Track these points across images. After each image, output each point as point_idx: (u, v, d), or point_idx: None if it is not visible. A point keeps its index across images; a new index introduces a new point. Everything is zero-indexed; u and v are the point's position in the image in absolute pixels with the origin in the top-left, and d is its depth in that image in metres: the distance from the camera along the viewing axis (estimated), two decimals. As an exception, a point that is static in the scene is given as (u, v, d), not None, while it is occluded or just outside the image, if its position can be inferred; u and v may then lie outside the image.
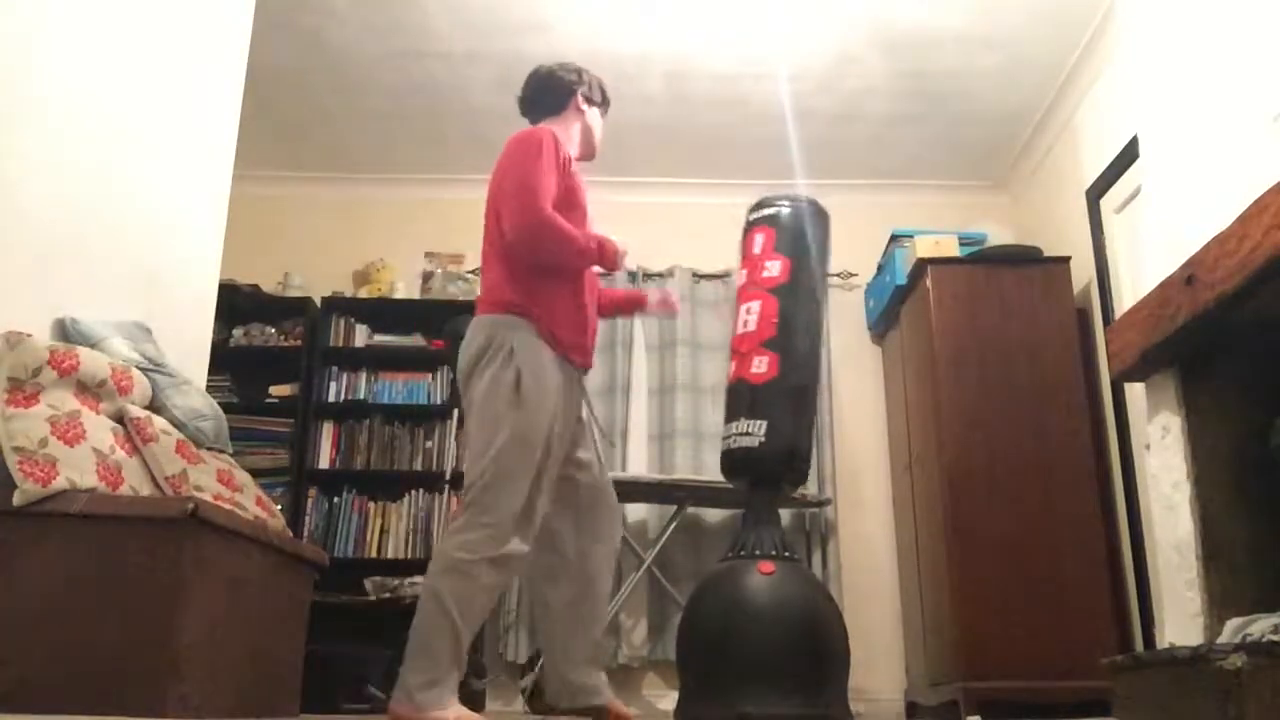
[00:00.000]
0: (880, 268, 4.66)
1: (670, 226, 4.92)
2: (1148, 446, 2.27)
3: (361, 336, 4.60)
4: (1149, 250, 2.37)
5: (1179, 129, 2.25)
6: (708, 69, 4.14)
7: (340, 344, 4.56)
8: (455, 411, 4.05)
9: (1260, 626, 1.76)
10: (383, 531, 4.34)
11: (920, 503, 4.12)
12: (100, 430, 2.20)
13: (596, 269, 2.55)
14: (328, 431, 4.46)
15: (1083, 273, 4.05)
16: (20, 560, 2.00)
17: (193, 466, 2.37)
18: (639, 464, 4.57)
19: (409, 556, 4.28)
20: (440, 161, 4.88)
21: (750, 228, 2.96)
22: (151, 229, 2.82)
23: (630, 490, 4.14)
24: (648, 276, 4.82)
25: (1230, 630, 1.85)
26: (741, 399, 2.75)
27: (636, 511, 4.44)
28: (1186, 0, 2.22)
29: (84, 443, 2.12)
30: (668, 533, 4.13)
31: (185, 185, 3.01)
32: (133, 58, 2.73)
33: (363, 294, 4.73)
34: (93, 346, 2.36)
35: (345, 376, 4.55)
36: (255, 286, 4.61)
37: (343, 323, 4.59)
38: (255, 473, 3.00)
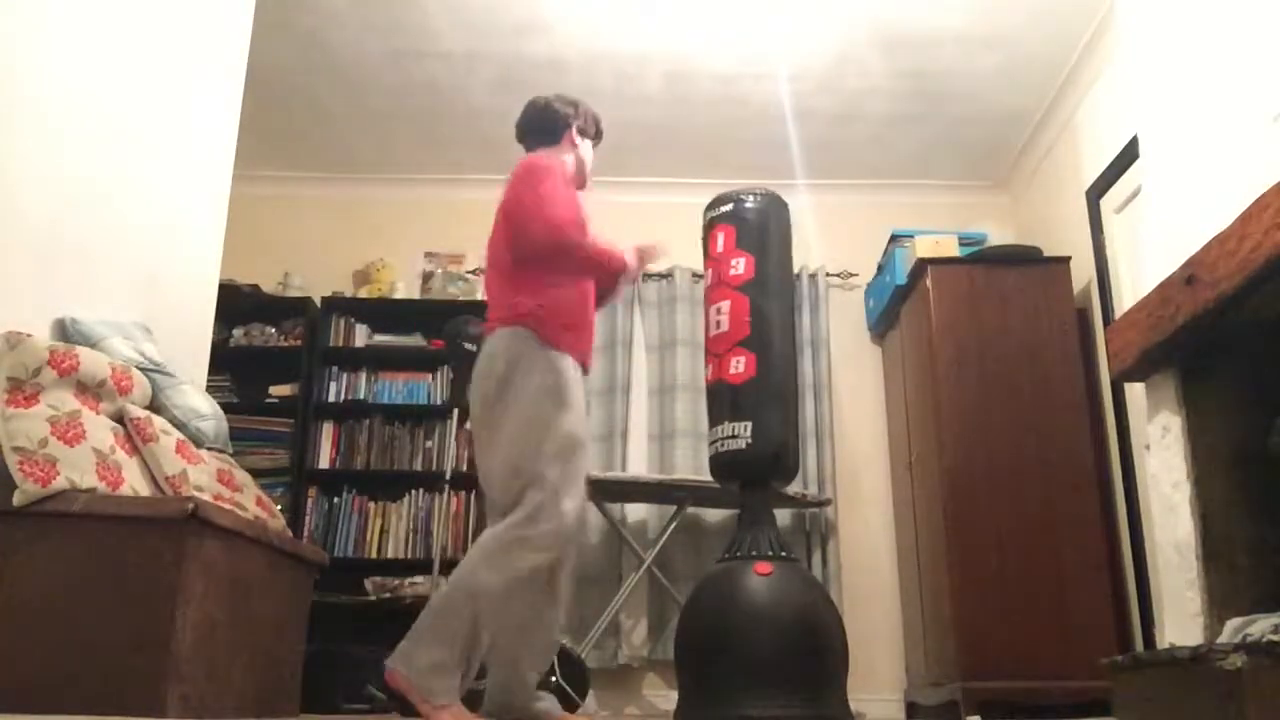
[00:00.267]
0: (880, 268, 4.66)
1: (670, 226, 4.91)
2: (1148, 446, 2.27)
3: (361, 336, 4.60)
4: (1149, 250, 2.37)
5: (1179, 129, 2.25)
6: (708, 69, 4.14)
7: (340, 344, 4.56)
8: (455, 411, 4.05)
9: (1260, 626, 1.76)
10: (383, 531, 4.34)
11: (920, 503, 4.12)
12: (100, 430, 2.20)
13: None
14: (328, 431, 4.47)
15: (1083, 273, 4.05)
16: (20, 560, 2.00)
17: (193, 466, 2.37)
18: (639, 464, 4.57)
19: (409, 556, 4.28)
20: (440, 161, 4.88)
21: (711, 226, 2.93)
22: (151, 229, 2.82)
23: (630, 490, 4.14)
24: (647, 276, 4.83)
25: (1230, 630, 1.85)
26: (723, 401, 2.74)
27: (636, 511, 4.44)
28: (1186, 0, 2.22)
29: (84, 443, 2.13)
30: (668, 533, 4.13)
31: (185, 185, 3.01)
32: (132, 58, 2.73)
33: (363, 294, 4.73)
34: (93, 346, 2.36)
35: (345, 376, 4.55)
36: (255, 286, 4.61)
37: (343, 323, 4.59)
38: (255, 473, 3.00)
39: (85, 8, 2.53)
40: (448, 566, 3.89)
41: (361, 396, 4.51)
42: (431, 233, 4.92)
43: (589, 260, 2.47)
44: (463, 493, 4.32)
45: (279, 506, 3.22)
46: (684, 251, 4.82)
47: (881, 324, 4.71)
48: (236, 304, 4.43)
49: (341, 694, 3.75)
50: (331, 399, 4.50)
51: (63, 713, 1.88)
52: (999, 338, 3.90)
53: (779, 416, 2.71)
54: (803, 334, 4.70)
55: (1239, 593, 2.00)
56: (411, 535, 4.33)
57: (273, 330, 4.57)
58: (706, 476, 4.24)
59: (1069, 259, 4.02)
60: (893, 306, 4.48)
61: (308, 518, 4.31)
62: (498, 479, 2.36)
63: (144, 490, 2.23)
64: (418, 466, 4.43)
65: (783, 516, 4.33)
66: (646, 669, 4.37)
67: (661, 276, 4.85)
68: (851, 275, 4.91)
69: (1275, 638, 1.63)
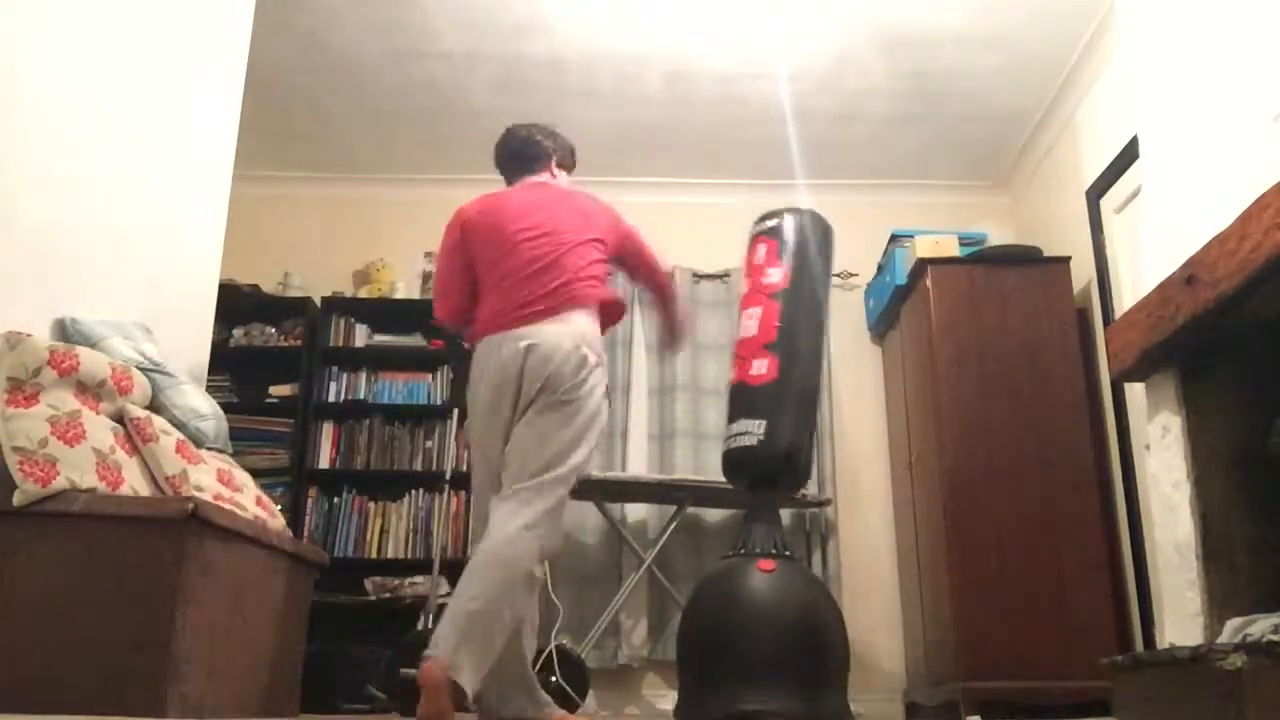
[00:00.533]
0: (880, 268, 4.66)
1: (670, 226, 4.91)
2: (1148, 446, 2.27)
3: (361, 336, 4.60)
4: (1149, 250, 2.37)
5: (1179, 129, 2.25)
6: (708, 69, 4.14)
7: (340, 344, 4.56)
8: (455, 411, 4.05)
9: (1260, 626, 1.76)
10: (383, 531, 4.34)
11: (920, 503, 4.12)
12: (100, 430, 2.20)
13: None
14: (328, 431, 4.46)
15: (1083, 273, 4.05)
16: (20, 560, 2.00)
17: (193, 466, 2.37)
18: (639, 464, 4.57)
19: (409, 556, 4.28)
20: (440, 161, 4.88)
21: (753, 240, 3.06)
22: (151, 229, 2.82)
23: (630, 490, 4.14)
24: (648, 276, 4.82)
25: (1230, 630, 1.85)
26: (741, 399, 2.79)
27: (636, 511, 4.44)
28: (1186, 0, 2.22)
29: (84, 443, 2.12)
30: (668, 533, 4.13)
31: (185, 185, 3.01)
32: (132, 58, 2.73)
33: (363, 294, 4.73)
34: (93, 346, 2.36)
35: (345, 376, 4.55)
36: (255, 286, 4.61)
37: (343, 323, 4.59)
38: (255, 473, 3.00)
39: (85, 8, 2.52)
40: (447, 566, 3.90)
41: (361, 396, 4.51)
42: (431, 233, 4.85)
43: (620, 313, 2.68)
44: (463, 493, 4.31)
45: (279, 506, 3.21)
46: (684, 252, 4.83)
47: (881, 324, 4.71)
48: (236, 304, 4.43)
49: (341, 694, 3.75)
50: (331, 399, 4.50)
51: (63, 713, 1.88)
52: (999, 338, 3.90)
53: (794, 419, 2.75)
54: (803, 334, 4.70)
55: (1239, 593, 2.00)
56: (411, 535, 4.33)
57: (273, 330, 4.57)
58: (706, 476, 4.28)
59: (1069, 259, 4.02)
60: (893, 306, 4.48)
61: (308, 518, 4.31)
62: (532, 460, 2.35)
63: (144, 490, 2.23)
64: (418, 466, 4.43)
65: (783, 516, 4.31)
66: (646, 669, 4.37)
67: (661, 276, 4.84)
68: (851, 275, 4.91)
69: (1275, 638, 1.63)
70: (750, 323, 2.88)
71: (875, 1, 3.71)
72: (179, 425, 2.51)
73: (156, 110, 2.84)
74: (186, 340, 2.96)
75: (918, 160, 4.82)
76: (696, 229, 4.91)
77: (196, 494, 2.25)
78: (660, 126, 4.57)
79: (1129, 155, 3.56)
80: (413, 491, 4.40)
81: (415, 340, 4.61)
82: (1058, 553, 3.63)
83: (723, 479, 2.90)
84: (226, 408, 2.87)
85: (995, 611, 3.57)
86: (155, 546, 2.04)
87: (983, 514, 3.69)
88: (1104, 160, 3.86)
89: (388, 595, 4.11)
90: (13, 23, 2.26)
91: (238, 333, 4.54)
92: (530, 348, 2.39)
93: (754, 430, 2.72)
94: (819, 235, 3.01)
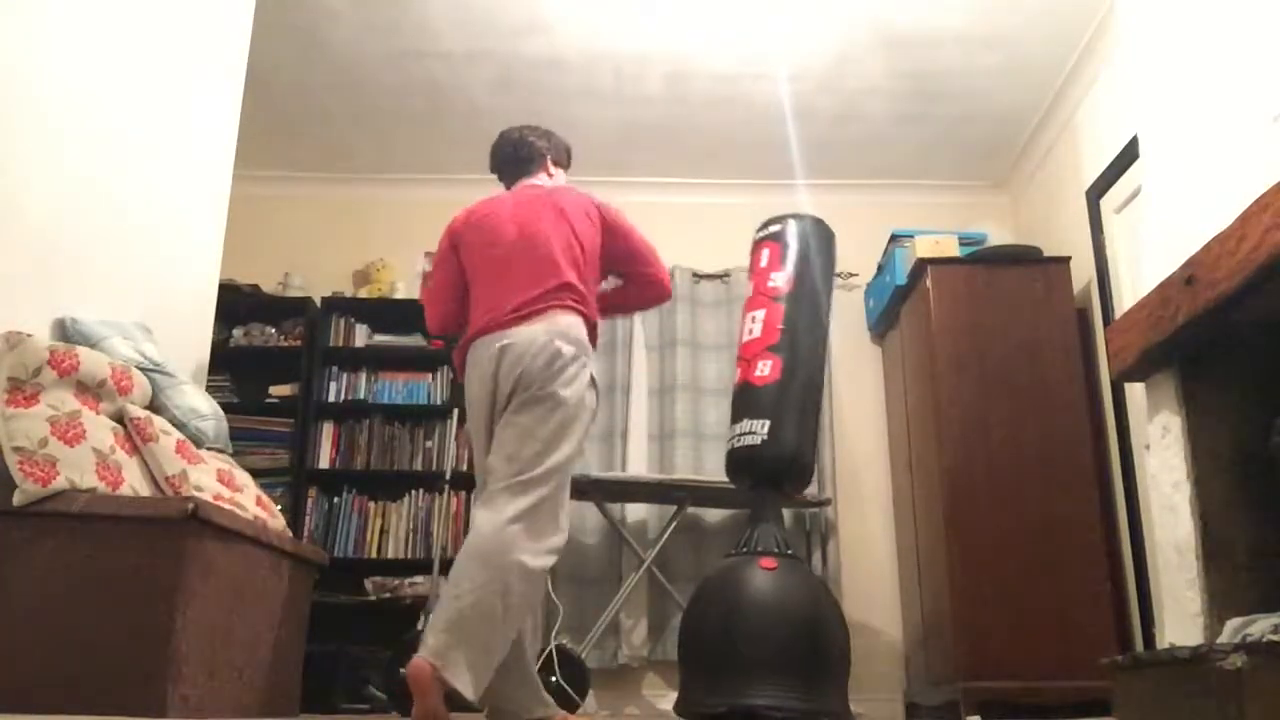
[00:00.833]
0: (880, 268, 4.66)
1: (670, 226, 4.92)
2: (1148, 446, 2.27)
3: (361, 336, 4.60)
4: (1149, 250, 2.37)
5: (1179, 129, 2.25)
6: (708, 69, 4.14)
7: (340, 344, 4.56)
8: (455, 411, 4.05)
9: (1260, 626, 1.76)
10: (383, 531, 4.34)
11: (920, 503, 4.12)
12: (100, 430, 2.20)
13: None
14: (328, 431, 4.47)
15: (1083, 273, 4.05)
16: (20, 560, 2.00)
17: (193, 466, 2.37)
18: (639, 464, 4.57)
19: (409, 556, 4.28)
20: (440, 161, 4.88)
21: (757, 244, 3.10)
22: (151, 229, 2.82)
23: (630, 490, 4.14)
24: (648, 276, 4.82)
25: (1230, 630, 1.85)
26: (745, 400, 2.82)
27: (636, 511, 4.44)
28: (1186, 0, 2.22)
29: (84, 443, 2.13)
30: (668, 533, 4.13)
31: (185, 185, 3.01)
32: (132, 58, 2.73)
33: (363, 294, 4.73)
34: (93, 346, 2.36)
35: (345, 376, 4.55)
36: (255, 286, 4.61)
37: (343, 323, 4.59)
38: (255, 473, 3.00)
39: (85, 8, 2.53)
40: (447, 566, 3.89)
41: (361, 396, 4.51)
42: (431, 233, 4.85)
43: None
44: (463, 493, 4.32)
45: (279, 506, 3.22)
46: (685, 252, 4.83)
47: (881, 324, 4.71)
48: (236, 304, 4.43)
49: (341, 694, 3.75)
50: (331, 399, 4.50)
51: (63, 713, 1.88)
52: (999, 338, 3.90)
53: (798, 420, 2.81)
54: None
55: (1239, 593, 1.99)
56: (411, 535, 4.33)
57: (273, 330, 4.57)
58: (706, 476, 4.28)
59: (1069, 259, 4.02)
60: (893, 306, 4.48)
61: (308, 518, 4.31)
62: (512, 460, 2.35)
63: (144, 490, 2.23)
64: (418, 466, 4.42)
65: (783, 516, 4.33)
66: (646, 669, 4.37)
67: (661, 276, 4.84)
68: (851, 275, 4.90)
69: (1275, 638, 1.63)
70: (754, 325, 2.93)
71: (875, 1, 3.71)
72: (179, 425, 2.51)
73: (156, 110, 2.85)
74: (186, 340, 2.96)
75: (917, 160, 4.82)
76: (696, 229, 4.91)
77: (196, 494, 2.26)
78: (660, 126, 4.57)
79: (1129, 155, 3.56)
80: (413, 491, 4.40)
81: (415, 340, 4.61)
82: (1058, 552, 3.62)
83: (723, 479, 2.93)
84: (226, 408, 2.87)
85: (995, 611, 3.57)
86: (155, 546, 2.04)
87: (983, 514, 3.69)
88: (1104, 160, 3.86)
89: (388, 595, 4.11)
90: (13, 23, 2.26)
91: (238, 333, 4.54)
92: (504, 348, 2.40)
93: (758, 430, 2.76)
94: (821, 241, 3.07)
